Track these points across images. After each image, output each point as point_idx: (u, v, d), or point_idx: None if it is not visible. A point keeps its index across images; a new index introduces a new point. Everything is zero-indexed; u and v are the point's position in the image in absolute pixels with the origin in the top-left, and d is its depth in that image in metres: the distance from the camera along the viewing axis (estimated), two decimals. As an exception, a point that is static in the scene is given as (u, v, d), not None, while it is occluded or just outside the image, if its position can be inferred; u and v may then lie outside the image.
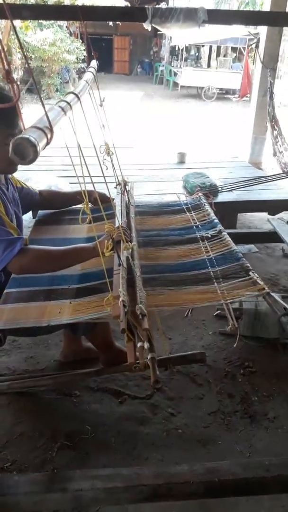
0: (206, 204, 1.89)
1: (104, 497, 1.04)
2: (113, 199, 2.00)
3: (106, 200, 1.91)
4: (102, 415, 1.84)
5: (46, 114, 0.84)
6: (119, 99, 11.86)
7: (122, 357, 1.91)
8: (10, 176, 1.74)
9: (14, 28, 1.71)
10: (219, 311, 2.48)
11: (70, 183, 3.22)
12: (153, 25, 2.04)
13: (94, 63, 2.10)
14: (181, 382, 2.03)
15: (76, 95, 1.12)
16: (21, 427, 1.77)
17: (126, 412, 1.87)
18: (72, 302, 1.34)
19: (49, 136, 0.80)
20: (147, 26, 2.04)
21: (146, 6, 1.98)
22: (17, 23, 11.94)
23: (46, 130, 0.79)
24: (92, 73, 1.83)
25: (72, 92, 1.14)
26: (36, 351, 2.20)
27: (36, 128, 0.77)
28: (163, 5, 15.06)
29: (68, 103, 1.02)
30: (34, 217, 2.43)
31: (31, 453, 1.67)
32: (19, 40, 1.13)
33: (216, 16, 2.12)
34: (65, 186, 3.12)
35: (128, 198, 2.01)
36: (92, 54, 2.03)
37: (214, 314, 2.50)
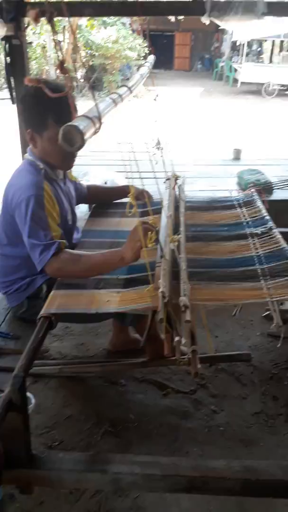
0: (258, 201, 1.85)
1: (141, 482, 1.07)
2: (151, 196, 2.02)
3: (148, 196, 1.95)
4: (146, 406, 1.88)
5: (96, 104, 0.88)
6: (178, 96, 11.83)
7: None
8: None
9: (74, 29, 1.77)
10: (268, 312, 2.41)
11: (126, 178, 3.29)
12: (211, 18, 2.03)
13: (151, 58, 2.13)
14: (225, 381, 2.01)
15: (129, 88, 1.14)
16: (69, 410, 1.85)
17: (169, 405, 1.89)
18: (120, 292, 1.38)
19: (97, 125, 0.83)
20: (205, 20, 2.03)
21: (204, 0, 1.97)
22: (83, 21, 12.31)
23: (95, 120, 0.82)
24: (148, 67, 1.86)
25: (125, 85, 1.17)
26: (86, 339, 2.28)
27: (85, 117, 0.81)
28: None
29: (120, 96, 1.05)
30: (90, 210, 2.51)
31: (77, 435, 1.74)
32: (78, 38, 1.17)
33: (277, 8, 2.06)
34: (121, 181, 3.18)
35: (179, 192, 2.02)
36: (150, 49, 2.05)
37: (263, 315, 2.45)
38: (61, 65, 0.83)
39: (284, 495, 1.07)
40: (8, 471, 1.08)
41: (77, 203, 2.00)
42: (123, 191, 2.05)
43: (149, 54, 2.09)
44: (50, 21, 0.86)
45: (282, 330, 2.19)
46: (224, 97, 12.90)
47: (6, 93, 2.37)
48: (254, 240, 1.52)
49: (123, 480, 1.08)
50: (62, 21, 11.41)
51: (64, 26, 12.61)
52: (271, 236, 1.49)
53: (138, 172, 1.30)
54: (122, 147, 1.43)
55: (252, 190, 1.94)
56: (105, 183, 2.93)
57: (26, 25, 2.23)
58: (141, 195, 1.90)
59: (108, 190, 2.16)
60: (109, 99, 1.01)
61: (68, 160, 1.62)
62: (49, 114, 1.44)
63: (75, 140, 0.77)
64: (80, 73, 13.33)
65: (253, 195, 1.90)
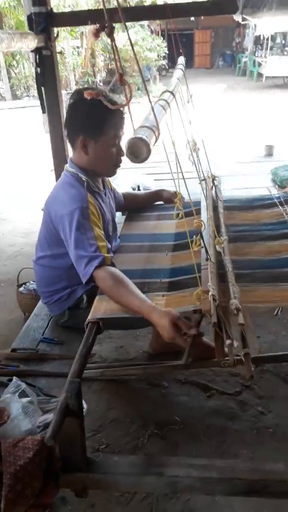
0: (301, 198, 1.81)
1: (199, 485, 1.06)
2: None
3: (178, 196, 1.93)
4: (190, 408, 1.87)
5: (153, 113, 0.88)
6: (201, 93, 11.73)
7: (209, 352, 1.92)
8: (106, 179, 1.80)
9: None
10: (312, 310, 2.36)
11: (155, 179, 3.30)
12: (243, 15, 1.99)
13: (182, 59, 2.12)
14: (271, 382, 1.98)
15: (172, 93, 1.14)
16: (113, 413, 1.87)
17: (214, 407, 1.87)
18: (165, 295, 1.38)
19: (156, 134, 0.84)
20: (237, 17, 2.00)
21: (237, -3, 1.95)
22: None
23: (154, 129, 0.83)
24: (182, 70, 1.86)
25: (168, 91, 1.17)
26: (125, 341, 2.29)
27: (146, 128, 0.81)
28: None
29: (166, 101, 1.05)
30: (122, 214, 2.52)
31: (123, 438, 1.75)
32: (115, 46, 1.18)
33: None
34: (150, 183, 3.19)
35: (216, 192, 2.00)
36: (180, 50, 2.04)
37: (307, 313, 2.39)
38: (120, 77, 0.84)
39: None
40: (65, 475, 1.10)
41: (116, 211, 2.01)
42: (158, 195, 2.08)
43: (180, 55, 2.08)
44: (110, 35, 0.87)
45: None
46: (250, 93, 12.70)
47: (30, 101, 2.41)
48: (300, 239, 1.49)
49: (179, 483, 1.07)
50: (80, 27, 11.59)
51: (82, 32, 12.77)
52: None
53: (172, 172, 1.27)
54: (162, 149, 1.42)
55: (293, 186, 1.90)
56: (138, 187, 2.93)
57: (56, 35, 2.27)
58: (174, 196, 1.90)
59: (143, 196, 2.17)
60: (159, 106, 1.01)
61: (116, 166, 1.64)
62: (105, 120, 1.47)
63: (141, 152, 0.77)
64: (99, 77, 13.50)
65: (294, 192, 1.86)
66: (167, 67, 16.01)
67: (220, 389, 1.95)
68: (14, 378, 1.29)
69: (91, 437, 1.75)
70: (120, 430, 1.79)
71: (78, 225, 1.42)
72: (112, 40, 0.89)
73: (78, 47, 12.69)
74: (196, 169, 1.54)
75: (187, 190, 1.34)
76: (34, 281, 2.50)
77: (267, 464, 1.08)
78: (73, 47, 12.79)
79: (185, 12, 1.91)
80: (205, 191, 1.89)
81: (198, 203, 1.85)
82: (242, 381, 1.98)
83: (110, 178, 1.86)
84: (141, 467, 1.11)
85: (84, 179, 1.55)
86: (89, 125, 1.48)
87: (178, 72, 1.63)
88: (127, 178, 3.29)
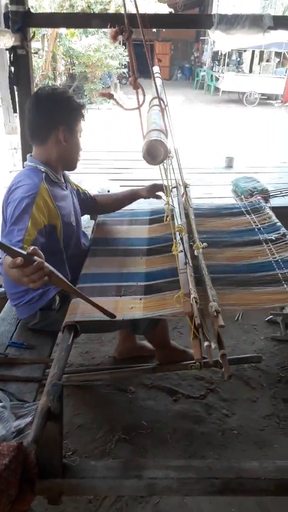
0: (266, 207, 1.90)
1: (176, 487, 1.07)
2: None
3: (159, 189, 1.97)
4: (157, 412, 1.89)
5: (163, 117, 0.89)
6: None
7: (177, 354, 1.96)
8: (68, 176, 1.80)
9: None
10: (271, 316, 2.47)
11: (120, 186, 3.31)
12: (217, 31, 2.08)
13: (157, 68, 2.16)
14: (234, 385, 2.04)
15: (162, 100, 1.17)
16: (80, 419, 1.85)
17: (180, 410, 1.90)
18: (142, 298, 1.39)
19: (166, 137, 0.85)
20: (212, 32, 2.09)
21: (212, 14, 2.03)
22: (63, 30, 12.35)
23: (164, 132, 0.84)
24: (160, 78, 1.90)
25: (158, 97, 1.20)
26: (91, 347, 2.28)
27: (159, 131, 0.82)
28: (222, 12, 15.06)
29: (161, 106, 1.07)
30: (91, 218, 2.51)
31: (90, 444, 1.73)
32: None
33: (283, 22, 2.14)
34: (117, 189, 3.19)
35: (187, 200, 2.05)
36: (157, 59, 2.08)
37: (266, 319, 2.50)
38: (134, 81, 0.85)
39: None
40: (41, 481, 1.07)
41: (86, 213, 1.99)
42: (136, 194, 2.03)
43: (154, 65, 2.12)
44: (128, 39, 0.88)
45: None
46: (207, 106, 13.11)
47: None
48: (269, 246, 1.56)
49: (158, 485, 1.08)
50: (42, 29, 11.45)
51: (44, 35, 12.62)
52: (286, 242, 1.53)
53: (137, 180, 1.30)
54: (115, 155, 1.45)
55: (258, 197, 1.99)
56: (108, 192, 2.93)
57: (32, 35, 2.24)
58: (154, 189, 1.94)
59: (115, 197, 2.11)
60: (157, 111, 1.03)
61: (75, 161, 1.68)
62: (79, 111, 1.58)
63: (159, 153, 0.78)
64: (60, 81, 13.37)
65: (260, 202, 1.95)
66: (127, 76, 16.17)
67: (185, 393, 1.98)
68: (-14, 383, 1.24)
69: (57, 444, 1.71)
70: (87, 436, 1.77)
71: (17, 216, 1.39)
72: (130, 44, 0.90)
73: (39, 49, 12.50)
74: (174, 176, 1.57)
75: (171, 195, 1.36)
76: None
77: (242, 462, 1.12)
78: (34, 49, 12.59)
79: (163, 23, 1.95)
80: (177, 197, 1.93)
81: (171, 210, 1.89)
82: (206, 385, 2.03)
83: (78, 182, 1.87)
84: (119, 471, 1.11)
85: (43, 170, 1.55)
86: (68, 116, 1.55)
87: (158, 80, 1.67)
88: (92, 184, 3.27)
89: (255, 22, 2.04)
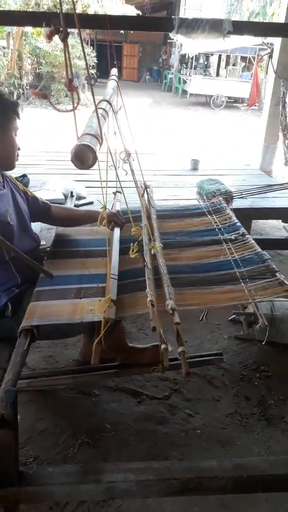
0: (227, 208, 1.93)
1: (136, 489, 1.07)
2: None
3: (118, 220, 1.88)
4: (121, 414, 1.88)
5: (98, 121, 0.89)
6: (128, 106, 11.94)
7: (136, 356, 1.93)
8: (8, 175, 1.73)
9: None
10: (234, 316, 2.51)
11: (86, 186, 3.28)
12: (179, 34, 2.10)
13: (115, 70, 2.16)
14: (198, 384, 2.06)
15: (109, 102, 1.16)
16: (42, 424, 1.81)
17: (144, 412, 1.90)
18: (102, 300, 1.38)
19: (100, 141, 0.84)
20: (173, 35, 2.10)
21: (173, 17, 2.04)
22: (29, 28, 12.16)
23: (98, 137, 0.83)
24: (115, 80, 1.89)
25: (105, 100, 1.19)
26: (54, 350, 2.24)
27: (91, 135, 0.82)
28: (181, 15, 15.23)
29: (105, 110, 1.06)
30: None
31: (52, 449, 1.70)
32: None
33: (241, 27, 2.18)
34: (82, 190, 3.16)
35: (149, 201, 2.06)
36: (115, 62, 2.08)
37: (229, 318, 2.53)
38: (69, 83, 0.83)
39: (276, 488, 1.12)
40: (-4, 490, 1.04)
41: (35, 219, 1.91)
42: (93, 217, 1.91)
43: (114, 66, 2.12)
44: (64, 40, 0.86)
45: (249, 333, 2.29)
46: (175, 108, 13.25)
47: None
48: (228, 245, 1.59)
49: (117, 488, 1.07)
50: (7, 27, 11.23)
51: (9, 32, 12.37)
52: (245, 242, 1.56)
53: (100, 181, 1.29)
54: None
55: (220, 198, 2.02)
56: (71, 193, 2.89)
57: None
58: (115, 217, 1.86)
59: (75, 213, 2.04)
60: (100, 115, 1.02)
61: (11, 159, 1.62)
62: (10, 112, 1.52)
63: (87, 159, 0.77)
64: (26, 80, 13.15)
65: (221, 203, 1.98)
66: (95, 76, 16.09)
67: (150, 394, 1.98)
68: None
69: (17, 451, 1.67)
70: (49, 441, 1.74)
71: None
72: (66, 45, 0.88)
73: (4, 48, 12.25)
74: (133, 178, 1.56)
75: (125, 198, 1.36)
76: None
77: (201, 462, 1.12)
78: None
79: (125, 25, 1.95)
80: (140, 199, 1.93)
81: (134, 211, 1.89)
82: (170, 386, 2.04)
83: (34, 181, 1.83)
84: (77, 476, 1.09)
85: None
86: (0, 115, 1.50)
87: (112, 82, 1.66)
88: (57, 184, 3.22)
89: (215, 26, 2.06)
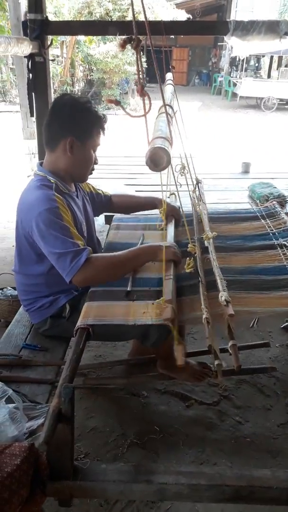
0: (281, 213, 1.89)
1: (187, 493, 1.07)
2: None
3: (178, 215, 1.93)
4: (169, 418, 1.88)
5: (168, 124, 0.91)
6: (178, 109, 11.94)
7: (180, 369, 1.88)
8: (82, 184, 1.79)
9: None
10: (287, 323, 2.44)
11: (136, 191, 3.33)
12: (234, 37, 2.09)
13: (170, 75, 2.18)
14: (248, 392, 2.02)
15: (171, 107, 1.18)
16: (93, 422, 1.85)
17: (193, 416, 1.89)
18: (155, 303, 1.39)
19: (171, 145, 0.86)
20: (227, 39, 2.09)
21: (228, 20, 2.03)
22: (82, 36, 12.53)
23: (168, 140, 0.85)
24: (172, 84, 1.91)
25: (168, 104, 1.21)
26: (104, 350, 2.29)
27: (163, 138, 0.83)
28: (234, 18, 15.09)
29: (169, 114, 1.08)
30: (106, 222, 2.53)
31: (103, 447, 1.73)
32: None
33: (299, 28, 2.12)
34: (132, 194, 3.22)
35: (200, 196, 2.04)
36: (170, 66, 2.10)
37: (282, 326, 2.47)
38: (141, 89, 0.86)
39: None
40: (52, 483, 1.08)
41: (101, 212, 1.98)
42: (152, 203, 2.01)
43: (169, 71, 2.14)
44: (136, 47, 0.89)
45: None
46: (224, 111, 13.10)
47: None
48: (284, 251, 1.55)
49: (168, 490, 1.08)
50: (61, 36, 11.63)
51: (63, 41, 12.81)
52: (301, 247, 1.52)
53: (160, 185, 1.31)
54: (131, 160, 1.47)
55: (274, 202, 1.98)
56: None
57: (49, 43, 2.28)
58: (174, 211, 1.89)
59: (135, 200, 2.08)
60: (164, 118, 1.04)
61: (91, 172, 1.66)
62: (94, 126, 1.53)
63: (162, 161, 0.79)
64: (78, 87, 13.55)
65: (275, 207, 1.94)
66: (145, 82, 16.28)
67: (198, 399, 1.97)
68: (0, 384, 1.26)
69: (69, 447, 1.72)
70: (99, 439, 1.78)
71: (52, 225, 1.39)
72: (138, 53, 0.91)
73: (58, 56, 12.70)
74: (186, 182, 1.57)
75: (180, 202, 1.37)
76: (11, 287, 2.46)
77: (254, 470, 1.10)
78: (52, 55, 12.80)
79: (178, 30, 1.97)
80: (192, 205, 1.94)
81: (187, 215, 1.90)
82: (220, 392, 2.02)
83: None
84: (130, 475, 1.11)
85: (52, 181, 1.52)
86: (81, 128, 1.51)
87: (170, 87, 1.68)
88: (108, 188, 3.30)
89: (271, 28, 2.03)
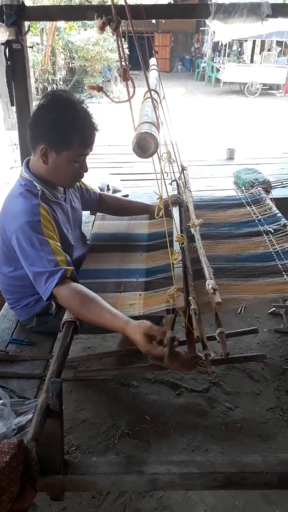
0: (267, 199, 1.88)
1: (179, 481, 1.07)
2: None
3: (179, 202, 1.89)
4: (160, 406, 1.88)
5: (154, 109, 0.88)
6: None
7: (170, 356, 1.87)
8: None
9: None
10: (274, 308, 2.46)
11: (121, 180, 3.29)
12: (215, 20, 2.05)
13: (154, 60, 2.14)
14: (238, 378, 2.04)
15: (156, 92, 1.15)
16: (83, 414, 1.85)
17: (183, 404, 1.90)
18: (142, 294, 1.38)
19: (158, 130, 0.84)
20: (209, 22, 2.05)
21: (209, 2, 1.99)
22: (61, 23, 12.25)
23: (155, 124, 0.82)
24: (156, 70, 1.87)
25: (153, 89, 1.18)
26: (93, 342, 2.28)
27: (149, 123, 0.81)
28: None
29: (155, 99, 1.05)
30: (91, 213, 2.49)
31: (94, 439, 1.73)
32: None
33: (281, 10, 2.09)
34: (117, 183, 3.18)
35: (185, 183, 2.02)
36: (153, 51, 2.06)
37: (269, 311, 2.48)
38: (124, 72, 0.83)
39: None
40: (43, 478, 1.07)
41: (88, 209, 1.92)
42: (144, 209, 1.92)
43: (152, 56, 2.10)
44: (116, 29, 0.86)
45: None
46: (208, 97, 13.01)
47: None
48: (269, 237, 1.55)
49: (160, 480, 1.07)
50: (41, 23, 11.36)
51: (43, 29, 12.52)
52: (286, 233, 1.51)
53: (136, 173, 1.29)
54: (115, 149, 1.42)
55: (259, 188, 1.97)
56: (107, 187, 2.91)
57: (27, 29, 2.21)
58: (176, 199, 1.84)
59: (126, 203, 1.99)
60: (150, 103, 1.01)
61: (75, 181, 1.54)
62: (75, 134, 1.34)
63: (149, 146, 0.76)
64: (59, 75, 13.29)
65: (261, 193, 1.93)
66: (127, 69, 16.04)
67: (189, 386, 1.98)
68: (-14, 380, 1.24)
69: (60, 440, 1.72)
70: (90, 431, 1.78)
71: (31, 241, 1.30)
72: (118, 35, 0.88)
73: (37, 44, 12.41)
74: (171, 169, 1.55)
75: (167, 191, 1.34)
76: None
77: (245, 456, 1.11)
78: (32, 43, 12.50)
79: (159, 14, 1.91)
80: (176, 191, 1.92)
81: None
82: (209, 378, 2.03)
83: None
84: (121, 466, 1.10)
85: (39, 188, 1.41)
86: (54, 136, 1.34)
87: (154, 72, 1.65)
88: (93, 178, 3.25)
89: (253, 10, 1.99)
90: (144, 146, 0.77)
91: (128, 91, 0.88)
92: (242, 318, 2.47)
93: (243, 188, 2.93)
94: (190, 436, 1.74)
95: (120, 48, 0.89)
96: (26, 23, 2.21)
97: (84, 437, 1.75)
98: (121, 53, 0.88)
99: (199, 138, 6.17)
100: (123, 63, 0.87)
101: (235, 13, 1.98)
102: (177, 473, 1.07)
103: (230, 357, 1.94)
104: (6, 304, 1.84)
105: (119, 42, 0.90)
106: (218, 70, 14.65)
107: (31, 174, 1.44)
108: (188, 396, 1.94)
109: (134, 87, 0.87)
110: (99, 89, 0.94)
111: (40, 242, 1.31)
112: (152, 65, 1.86)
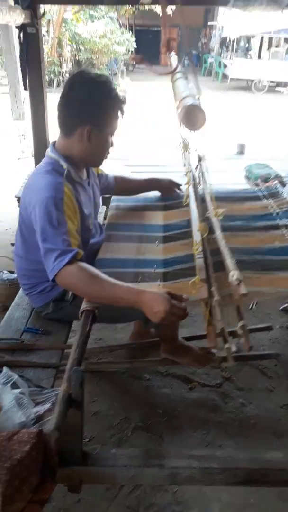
0: (284, 192, 1.85)
1: (199, 476, 1.05)
2: (180, 185, 2.02)
3: (176, 186, 2.00)
4: (173, 400, 1.87)
5: (197, 84, 0.85)
6: (167, 90, 11.77)
7: (183, 352, 1.80)
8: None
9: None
10: (286, 305, 2.43)
11: (132, 172, 3.26)
12: (234, 8, 2.00)
13: (175, 58, 2.12)
14: (250, 374, 2.01)
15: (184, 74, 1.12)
16: (96, 406, 1.83)
17: (196, 399, 1.88)
18: (161, 285, 1.35)
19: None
20: (229, 9, 2.01)
21: (230, -11, 1.95)
22: (68, 14, 12.16)
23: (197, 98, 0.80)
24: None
25: (181, 71, 1.15)
26: (104, 334, 2.26)
27: (194, 98, 0.78)
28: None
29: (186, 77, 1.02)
30: (103, 204, 2.46)
31: (107, 431, 1.72)
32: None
33: (303, -1, 2.04)
34: (128, 175, 3.15)
35: (203, 173, 2.00)
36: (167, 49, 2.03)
37: (281, 308, 2.46)
38: (167, 44, 0.81)
39: None
40: (62, 469, 1.05)
41: (104, 193, 1.94)
42: (156, 183, 2.00)
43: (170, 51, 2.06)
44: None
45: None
46: (215, 93, 12.90)
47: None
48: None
49: (180, 475, 1.05)
50: (48, 14, 11.27)
51: (49, 20, 12.42)
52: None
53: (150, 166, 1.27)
54: (128, 140, 1.41)
55: (275, 182, 1.94)
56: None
57: (42, 13, 2.16)
58: (174, 186, 1.91)
59: (138, 183, 2.03)
60: (184, 79, 0.98)
61: (106, 156, 1.55)
62: (114, 111, 1.40)
63: (197, 119, 0.74)
64: (65, 68, 13.21)
65: (278, 187, 1.90)
66: (134, 63, 15.95)
67: (201, 381, 1.96)
68: (5, 368, 1.22)
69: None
70: (103, 423, 1.76)
71: (50, 217, 1.29)
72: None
73: (44, 35, 12.33)
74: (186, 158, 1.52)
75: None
76: (8, 271, 2.40)
77: (266, 453, 1.09)
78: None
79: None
80: (191, 184, 1.89)
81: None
82: (222, 373, 2.01)
83: None
84: (141, 459, 1.09)
85: (65, 167, 1.42)
86: (99, 115, 1.39)
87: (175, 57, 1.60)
88: (105, 170, 3.23)
89: (273, -1, 1.93)
90: (192, 119, 0.74)
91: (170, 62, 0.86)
92: (254, 314, 2.44)
93: (255, 182, 2.89)
94: (203, 431, 1.72)
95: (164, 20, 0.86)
96: (42, 7, 2.16)
97: (97, 429, 1.73)
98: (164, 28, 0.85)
99: (208, 132, 6.13)
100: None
101: (255, 1, 1.94)
102: (197, 468, 1.05)
103: (244, 354, 1.92)
104: (19, 292, 1.83)
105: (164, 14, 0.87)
106: (225, 66, 14.54)
107: (58, 154, 1.45)
108: (200, 391, 1.92)
109: (178, 61, 0.85)
110: (141, 60, 0.92)
111: (58, 220, 1.30)
112: (171, 54, 1.82)
